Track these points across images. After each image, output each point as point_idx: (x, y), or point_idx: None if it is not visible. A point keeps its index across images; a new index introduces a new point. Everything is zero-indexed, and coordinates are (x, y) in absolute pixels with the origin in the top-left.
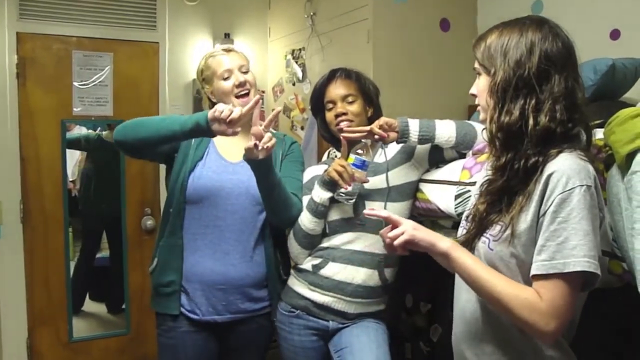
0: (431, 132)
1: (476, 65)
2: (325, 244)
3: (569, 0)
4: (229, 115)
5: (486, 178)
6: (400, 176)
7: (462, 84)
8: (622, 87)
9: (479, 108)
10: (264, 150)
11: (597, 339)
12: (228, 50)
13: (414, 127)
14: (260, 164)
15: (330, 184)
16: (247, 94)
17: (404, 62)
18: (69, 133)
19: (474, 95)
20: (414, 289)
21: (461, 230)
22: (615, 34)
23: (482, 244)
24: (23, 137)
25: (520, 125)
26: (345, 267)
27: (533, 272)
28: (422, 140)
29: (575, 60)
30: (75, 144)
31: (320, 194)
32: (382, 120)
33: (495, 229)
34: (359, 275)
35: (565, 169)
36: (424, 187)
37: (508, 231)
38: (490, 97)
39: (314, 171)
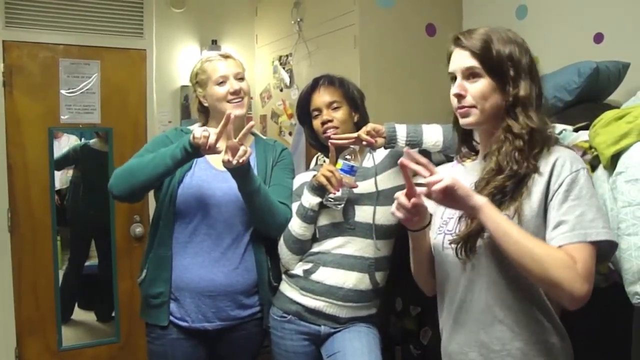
0: (418, 137)
1: (474, 64)
2: (315, 248)
3: (553, 5)
4: (206, 142)
5: (483, 179)
6: (388, 180)
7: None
8: (606, 89)
9: (468, 109)
10: (239, 163)
11: (582, 339)
12: (225, 57)
13: (402, 132)
14: (238, 170)
15: (318, 189)
16: (240, 102)
17: (391, 67)
18: (57, 152)
19: (461, 96)
20: (403, 292)
21: (455, 227)
22: (598, 38)
23: (486, 240)
24: (10, 145)
25: (532, 130)
26: (336, 271)
27: (557, 243)
28: (409, 145)
29: None
30: (64, 159)
31: (310, 199)
32: (370, 126)
33: None
34: (350, 279)
35: (566, 156)
36: None
37: (515, 221)
38: (511, 106)
39: (303, 178)
